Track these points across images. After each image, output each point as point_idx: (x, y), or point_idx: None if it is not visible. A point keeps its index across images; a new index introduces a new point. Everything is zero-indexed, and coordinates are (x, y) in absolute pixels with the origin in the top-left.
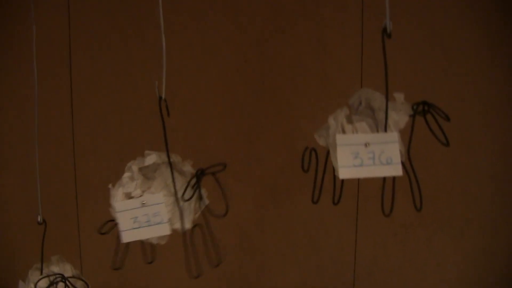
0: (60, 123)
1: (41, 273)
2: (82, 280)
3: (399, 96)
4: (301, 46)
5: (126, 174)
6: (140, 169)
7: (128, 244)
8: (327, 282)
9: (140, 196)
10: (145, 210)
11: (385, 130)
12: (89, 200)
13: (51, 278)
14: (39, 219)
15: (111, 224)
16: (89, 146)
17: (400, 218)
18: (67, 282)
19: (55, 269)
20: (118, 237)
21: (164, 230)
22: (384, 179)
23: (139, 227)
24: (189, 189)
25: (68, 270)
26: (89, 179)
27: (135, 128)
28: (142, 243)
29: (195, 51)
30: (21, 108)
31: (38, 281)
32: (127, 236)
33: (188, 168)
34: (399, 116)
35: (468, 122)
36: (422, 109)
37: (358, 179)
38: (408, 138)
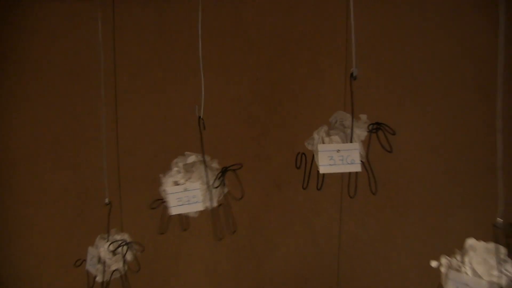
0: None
1: (107, 240)
2: (139, 244)
3: (363, 117)
4: (301, 70)
5: (174, 168)
6: (184, 165)
7: (170, 217)
8: (318, 251)
9: (183, 184)
10: (187, 193)
11: (351, 141)
12: (130, 189)
13: (117, 243)
14: (106, 201)
15: (158, 202)
16: (131, 148)
17: (375, 202)
18: (129, 246)
19: (117, 237)
20: (165, 211)
21: (199, 207)
22: (350, 173)
23: (182, 205)
24: (216, 180)
25: (126, 237)
26: (129, 174)
27: (167, 134)
28: (180, 216)
29: (218, 73)
30: (76, 116)
31: (111, 244)
32: (174, 210)
33: (216, 165)
34: (361, 132)
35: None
36: (376, 128)
37: (342, 173)
38: (367, 146)
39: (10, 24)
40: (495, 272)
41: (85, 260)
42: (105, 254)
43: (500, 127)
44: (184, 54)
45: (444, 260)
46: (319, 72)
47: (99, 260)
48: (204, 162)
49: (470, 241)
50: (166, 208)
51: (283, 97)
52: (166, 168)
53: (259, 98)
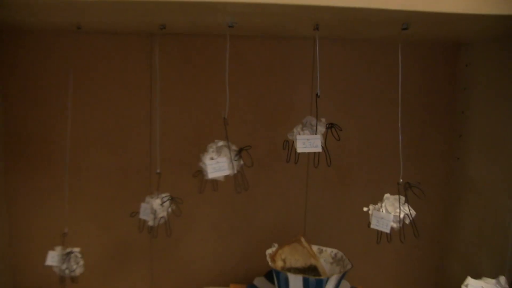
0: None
1: (157, 197)
2: (179, 198)
3: (323, 119)
4: (280, 87)
5: (210, 149)
6: (216, 147)
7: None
8: (290, 214)
9: (216, 158)
10: (218, 164)
11: (316, 134)
12: (172, 166)
13: (164, 198)
14: (158, 170)
15: (198, 172)
16: (170, 133)
17: (329, 179)
18: (173, 199)
19: (163, 195)
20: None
21: (226, 173)
22: (315, 154)
23: (214, 171)
24: (236, 156)
25: (168, 195)
26: (172, 155)
27: (198, 127)
28: (207, 181)
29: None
30: (125, 115)
31: (164, 199)
32: (210, 175)
33: (234, 147)
34: (321, 128)
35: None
36: (330, 126)
37: (308, 154)
38: (325, 137)
39: (84, 51)
40: (397, 210)
41: (138, 213)
42: (156, 206)
43: (399, 127)
44: (210, 74)
45: (371, 206)
46: (293, 90)
47: (151, 210)
48: (228, 145)
49: (386, 195)
50: (202, 175)
51: (268, 106)
52: (201, 151)
53: (251, 106)
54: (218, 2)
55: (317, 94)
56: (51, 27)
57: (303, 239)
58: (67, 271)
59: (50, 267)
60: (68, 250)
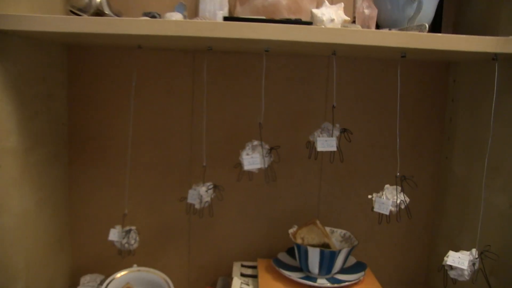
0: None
1: (203, 185)
2: (221, 186)
3: (337, 125)
4: (302, 99)
5: (247, 147)
6: (252, 145)
7: (243, 172)
8: (307, 201)
9: (251, 154)
10: (253, 159)
11: (332, 136)
12: (211, 161)
13: (208, 186)
14: (204, 164)
15: (238, 164)
16: (209, 134)
17: (339, 173)
18: (216, 186)
19: (207, 183)
20: (240, 170)
21: (259, 166)
22: (330, 152)
23: (249, 165)
24: (267, 153)
25: (212, 184)
26: (214, 153)
27: (232, 129)
28: (243, 172)
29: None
30: (169, 117)
31: (209, 187)
32: (246, 167)
33: (266, 146)
34: (336, 132)
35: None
36: (343, 130)
37: (323, 152)
38: (339, 139)
39: (140, 64)
40: (395, 197)
41: (186, 198)
42: (202, 192)
43: (398, 131)
44: (243, 85)
45: (374, 194)
46: (310, 100)
47: (198, 196)
48: (261, 144)
49: (386, 185)
50: (241, 167)
51: (290, 113)
52: (234, 149)
53: (276, 113)
54: (263, 39)
55: (333, 106)
56: (115, 46)
57: (318, 222)
58: (126, 245)
59: (111, 242)
60: (128, 228)
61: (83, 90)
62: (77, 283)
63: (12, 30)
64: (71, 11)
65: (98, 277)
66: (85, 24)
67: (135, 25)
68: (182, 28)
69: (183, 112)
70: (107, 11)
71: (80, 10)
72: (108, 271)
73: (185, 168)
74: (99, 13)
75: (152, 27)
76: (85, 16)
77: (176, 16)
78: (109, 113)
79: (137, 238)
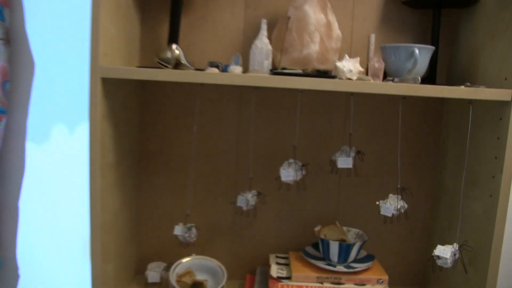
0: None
1: (249, 192)
2: (265, 194)
3: (353, 148)
4: (326, 123)
5: (285, 164)
6: (287, 162)
7: (282, 183)
8: (328, 206)
9: (287, 169)
10: (289, 173)
11: (349, 156)
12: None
13: (254, 193)
14: (251, 176)
15: (277, 177)
16: (253, 152)
17: (354, 184)
18: (262, 194)
19: (253, 191)
20: (280, 181)
21: (292, 179)
22: (350, 169)
23: (285, 177)
24: (299, 169)
25: (256, 191)
26: (257, 168)
27: (270, 149)
28: (282, 183)
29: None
30: (217, 132)
31: (254, 193)
32: (283, 179)
33: (299, 163)
34: (352, 153)
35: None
36: (357, 152)
37: (339, 168)
38: (354, 159)
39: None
40: (397, 204)
41: (235, 202)
42: (249, 198)
43: (399, 152)
44: (278, 113)
45: (381, 201)
46: (330, 126)
47: (245, 200)
48: (295, 162)
49: (390, 195)
50: (280, 180)
51: (315, 137)
52: (272, 165)
53: (304, 137)
54: (298, 89)
55: (350, 133)
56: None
57: (337, 222)
58: (188, 239)
59: (175, 235)
60: (189, 225)
61: (151, 115)
62: (143, 269)
63: (115, 78)
64: (158, 62)
65: (162, 264)
66: (170, 75)
67: (210, 77)
68: (244, 80)
69: (231, 135)
70: (183, 61)
71: (164, 61)
72: (168, 259)
73: (231, 179)
74: (178, 63)
75: (222, 78)
76: (169, 69)
77: (238, 69)
78: (171, 134)
79: (196, 233)
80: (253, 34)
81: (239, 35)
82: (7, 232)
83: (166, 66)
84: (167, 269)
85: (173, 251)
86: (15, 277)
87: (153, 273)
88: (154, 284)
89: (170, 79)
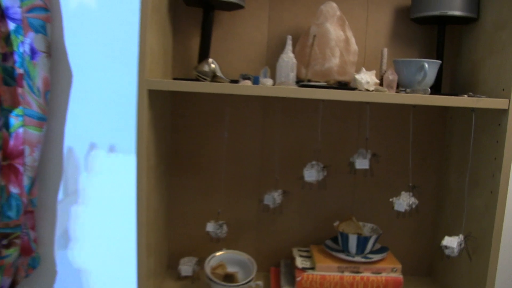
0: (258, 146)
1: (276, 191)
2: (289, 192)
3: (369, 151)
4: (343, 129)
5: (308, 166)
6: (310, 164)
7: (305, 181)
8: (345, 203)
9: (310, 170)
10: (311, 173)
11: (366, 159)
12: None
13: (279, 192)
14: (277, 177)
15: (300, 177)
16: (278, 155)
17: (368, 182)
18: (286, 192)
19: (279, 190)
20: (303, 181)
21: (315, 179)
22: (366, 170)
23: (308, 177)
24: (321, 170)
25: (282, 190)
26: (274, 168)
27: (293, 152)
28: (305, 182)
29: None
30: (239, 139)
31: (280, 192)
32: (306, 179)
33: (320, 164)
34: (368, 155)
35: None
36: (373, 154)
37: (356, 169)
38: (370, 161)
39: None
40: (408, 200)
41: (263, 200)
42: (276, 196)
43: (410, 155)
44: (301, 119)
45: (394, 198)
46: (346, 131)
47: (272, 199)
48: (317, 163)
49: (402, 192)
50: (303, 179)
51: (334, 141)
52: (295, 166)
53: (325, 141)
54: (319, 99)
55: (366, 138)
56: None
57: (354, 218)
58: (219, 234)
59: (206, 232)
60: (221, 222)
61: (182, 122)
62: (174, 264)
63: (159, 90)
64: (197, 75)
65: (193, 259)
66: (212, 87)
67: (248, 89)
68: (277, 92)
69: (256, 140)
70: (219, 73)
71: (202, 74)
72: (198, 254)
73: (256, 180)
74: (214, 75)
75: (256, 90)
76: (207, 82)
77: (269, 82)
78: (201, 139)
79: (227, 229)
80: (276, 47)
81: (263, 48)
82: (45, 231)
83: (204, 79)
84: (198, 263)
85: (202, 246)
86: (53, 273)
87: (186, 267)
88: (186, 277)
89: (211, 91)
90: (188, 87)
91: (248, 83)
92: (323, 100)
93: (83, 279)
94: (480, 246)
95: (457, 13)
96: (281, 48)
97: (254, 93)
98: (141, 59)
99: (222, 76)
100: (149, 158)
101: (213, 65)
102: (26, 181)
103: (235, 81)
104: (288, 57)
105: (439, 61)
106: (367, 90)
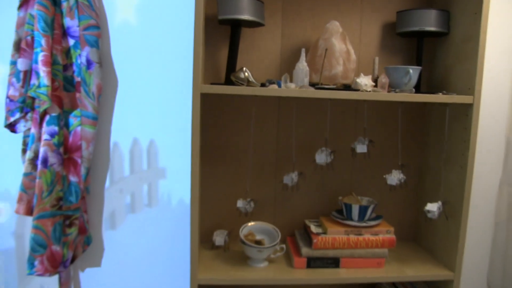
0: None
1: (293, 173)
2: (304, 174)
3: (367, 138)
4: (346, 123)
5: (319, 150)
6: (321, 150)
7: (316, 164)
8: (346, 181)
9: (320, 155)
10: (321, 157)
11: (364, 144)
12: (288, 160)
13: (296, 173)
14: (294, 160)
15: (313, 161)
16: (292, 144)
17: (366, 163)
18: (301, 174)
19: (295, 172)
20: (315, 164)
21: (324, 161)
22: (364, 153)
23: (319, 160)
24: (329, 154)
25: (298, 172)
26: (289, 154)
27: (307, 141)
28: (316, 164)
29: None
30: (259, 134)
31: (297, 173)
32: (317, 162)
33: (328, 150)
34: (366, 142)
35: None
36: (370, 141)
37: (357, 153)
38: (368, 146)
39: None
40: (398, 175)
41: (282, 180)
42: (293, 176)
43: (399, 138)
44: (312, 114)
45: (387, 175)
46: (347, 124)
47: (290, 179)
48: (326, 149)
49: (393, 170)
50: (315, 162)
51: (338, 131)
52: (307, 153)
53: (331, 132)
54: (329, 98)
55: (364, 127)
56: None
57: (353, 193)
58: (248, 209)
59: (238, 208)
60: (249, 199)
61: (211, 118)
62: (205, 239)
63: (208, 93)
64: (236, 81)
65: (224, 231)
66: (252, 90)
67: (277, 91)
68: (299, 93)
69: (273, 132)
70: (251, 79)
71: (240, 79)
72: (229, 227)
73: (274, 165)
74: (248, 81)
75: (284, 92)
76: (244, 86)
77: (292, 85)
78: (228, 132)
79: (254, 205)
80: (288, 57)
81: (277, 58)
82: (94, 214)
83: (241, 83)
84: (229, 234)
85: (230, 221)
86: (101, 250)
87: (219, 238)
88: (219, 247)
89: (252, 93)
90: (236, 91)
91: (275, 87)
92: (331, 99)
93: (125, 255)
94: (454, 210)
95: (432, 29)
96: (292, 58)
97: (283, 94)
98: (195, 68)
99: (254, 81)
100: (199, 150)
101: (246, 73)
102: (83, 171)
103: (263, 85)
104: (302, 66)
105: (420, 67)
106: (366, 91)
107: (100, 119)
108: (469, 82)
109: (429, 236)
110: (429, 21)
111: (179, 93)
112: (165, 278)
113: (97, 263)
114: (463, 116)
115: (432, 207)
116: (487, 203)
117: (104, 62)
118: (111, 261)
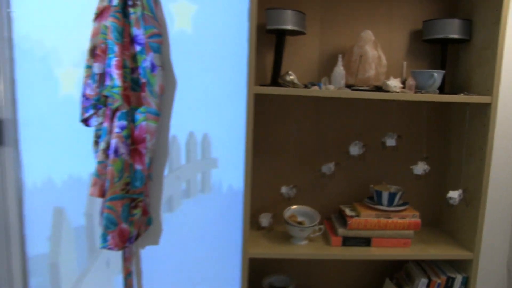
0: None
1: (330, 163)
2: (340, 164)
3: (395, 133)
4: (378, 119)
5: (352, 143)
6: (354, 144)
7: (350, 156)
8: (377, 172)
9: (353, 147)
10: (355, 149)
11: (393, 139)
12: (326, 154)
13: (332, 164)
14: (331, 153)
15: (347, 153)
16: (330, 139)
17: (397, 155)
18: (338, 164)
19: (332, 162)
20: (349, 154)
21: (357, 153)
22: (393, 146)
23: (353, 152)
24: (361, 148)
25: (334, 162)
26: (325, 147)
27: (342, 136)
28: (350, 156)
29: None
30: (305, 130)
31: (332, 164)
32: (351, 153)
33: (361, 143)
34: (395, 136)
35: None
36: (398, 136)
37: (386, 147)
38: (397, 141)
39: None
40: (424, 167)
41: (320, 169)
42: (331, 166)
43: (425, 134)
44: (348, 114)
45: (413, 166)
46: (383, 122)
47: (328, 167)
48: (359, 143)
49: (418, 161)
50: (349, 154)
51: (371, 128)
52: (345, 146)
53: (364, 131)
54: (364, 98)
55: (393, 124)
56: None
57: (384, 182)
58: (290, 194)
59: (281, 193)
60: (292, 185)
61: (265, 114)
62: (255, 220)
63: (262, 93)
64: (283, 83)
65: (269, 214)
66: (299, 91)
67: (320, 92)
68: (338, 93)
69: (312, 128)
70: (296, 81)
71: (287, 81)
72: (273, 211)
73: (313, 156)
74: (293, 83)
75: (325, 93)
76: (290, 88)
77: (331, 87)
78: (272, 127)
79: (295, 191)
80: (325, 62)
81: (316, 62)
82: (154, 198)
83: (288, 85)
84: (273, 217)
85: (273, 205)
86: (160, 231)
87: (264, 220)
88: (264, 228)
89: (298, 93)
90: (284, 92)
91: (316, 88)
92: (364, 99)
93: (181, 235)
94: (473, 197)
95: (455, 36)
96: (328, 62)
97: (324, 95)
98: (250, 72)
99: (298, 83)
100: (250, 142)
101: (291, 76)
102: (146, 160)
103: (305, 86)
104: (339, 70)
105: (444, 71)
106: (395, 92)
107: (161, 115)
108: (488, 84)
109: (450, 221)
110: (452, 29)
111: (229, 92)
112: (217, 254)
113: (156, 241)
114: (482, 115)
115: (454, 194)
116: (508, 193)
117: (165, 66)
118: (169, 240)
